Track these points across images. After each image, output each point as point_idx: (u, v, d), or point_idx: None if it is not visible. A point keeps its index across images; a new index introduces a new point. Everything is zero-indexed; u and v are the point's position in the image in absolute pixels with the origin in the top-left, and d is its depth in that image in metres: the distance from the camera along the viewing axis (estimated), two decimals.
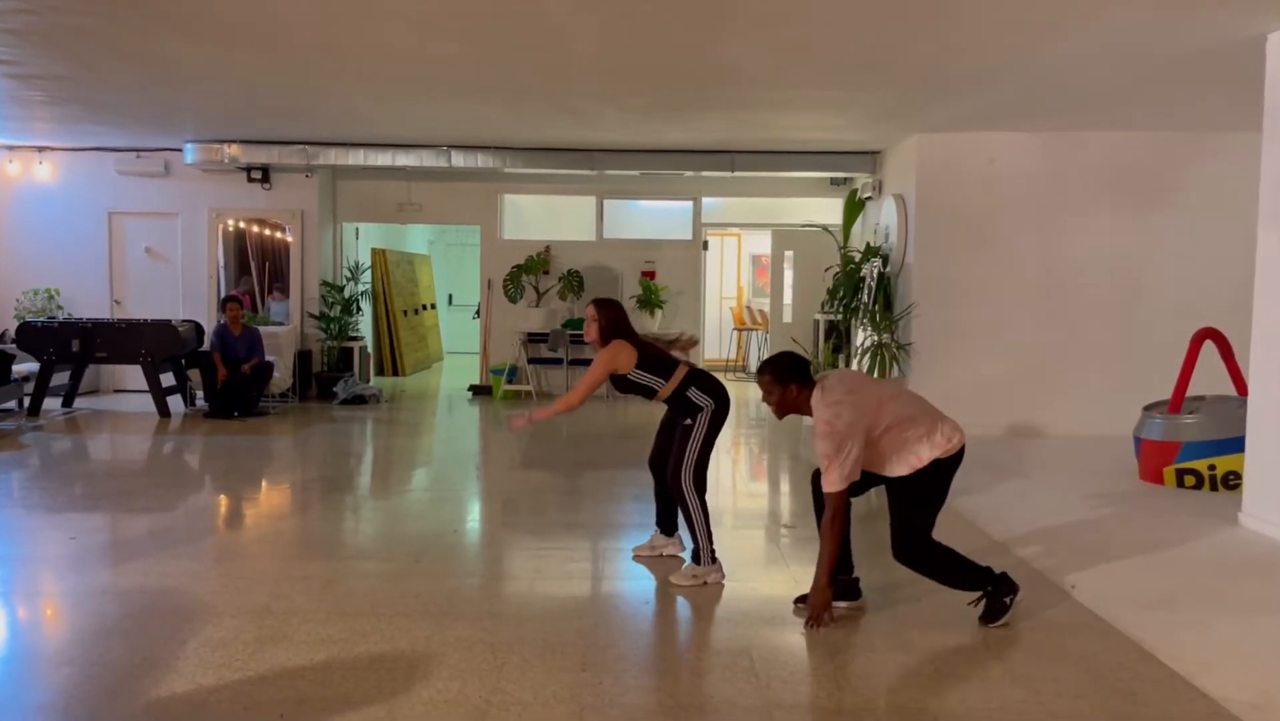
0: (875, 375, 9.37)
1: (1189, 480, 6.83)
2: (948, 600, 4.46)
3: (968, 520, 5.99)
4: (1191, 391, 7.08)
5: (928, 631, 4.06)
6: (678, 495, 4.69)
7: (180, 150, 10.86)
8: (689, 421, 4.69)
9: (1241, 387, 6.88)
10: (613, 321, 4.80)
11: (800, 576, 4.82)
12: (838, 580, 4.21)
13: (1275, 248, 5.73)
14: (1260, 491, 5.79)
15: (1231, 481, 6.62)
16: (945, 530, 5.82)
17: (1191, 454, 6.80)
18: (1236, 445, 6.36)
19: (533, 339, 11.67)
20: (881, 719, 3.26)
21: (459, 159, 10.60)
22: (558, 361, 11.71)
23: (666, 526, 5.07)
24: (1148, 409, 7.25)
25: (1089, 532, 5.70)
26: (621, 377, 4.71)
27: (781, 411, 4.15)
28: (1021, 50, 6.25)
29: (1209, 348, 7.02)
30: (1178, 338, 7.42)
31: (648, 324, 11.61)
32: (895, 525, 4.13)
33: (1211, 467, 6.76)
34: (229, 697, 3.34)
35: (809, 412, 4.07)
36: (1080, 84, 7.15)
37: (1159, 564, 5.12)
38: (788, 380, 4.09)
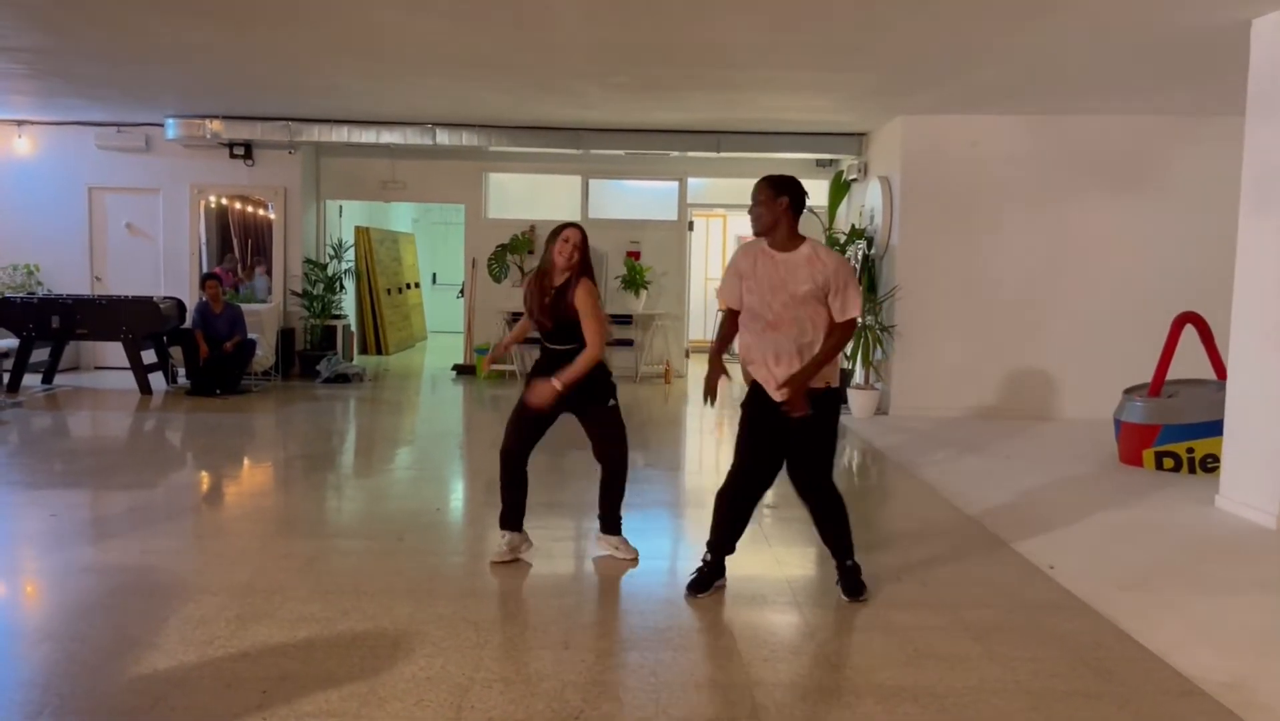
0: (859, 358, 9.41)
1: (1168, 462, 6.89)
2: (927, 580, 4.50)
3: (947, 500, 6.04)
4: (1172, 375, 7.13)
5: (906, 611, 4.09)
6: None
7: (162, 125, 10.76)
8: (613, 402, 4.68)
9: (1221, 372, 6.94)
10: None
11: (781, 556, 4.85)
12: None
13: (1257, 233, 5.77)
14: (1237, 474, 5.85)
15: (1209, 464, 6.69)
16: (925, 509, 5.89)
17: (1170, 436, 6.87)
18: (1215, 428, 6.43)
19: (517, 318, 11.58)
20: (860, 697, 3.29)
21: (444, 137, 10.54)
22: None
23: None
24: (1128, 392, 7.31)
25: (1068, 514, 5.75)
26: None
27: (762, 225, 4.03)
28: (1007, 33, 6.25)
29: (1190, 331, 7.07)
30: (1159, 321, 7.48)
31: (632, 304, 11.61)
32: (816, 451, 4.15)
33: (1190, 450, 6.82)
34: (211, 674, 3.34)
35: (787, 244, 4.02)
36: (1065, 68, 7.16)
37: (1137, 545, 5.17)
38: (783, 192, 4.03)
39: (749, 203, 4.10)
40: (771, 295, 4.01)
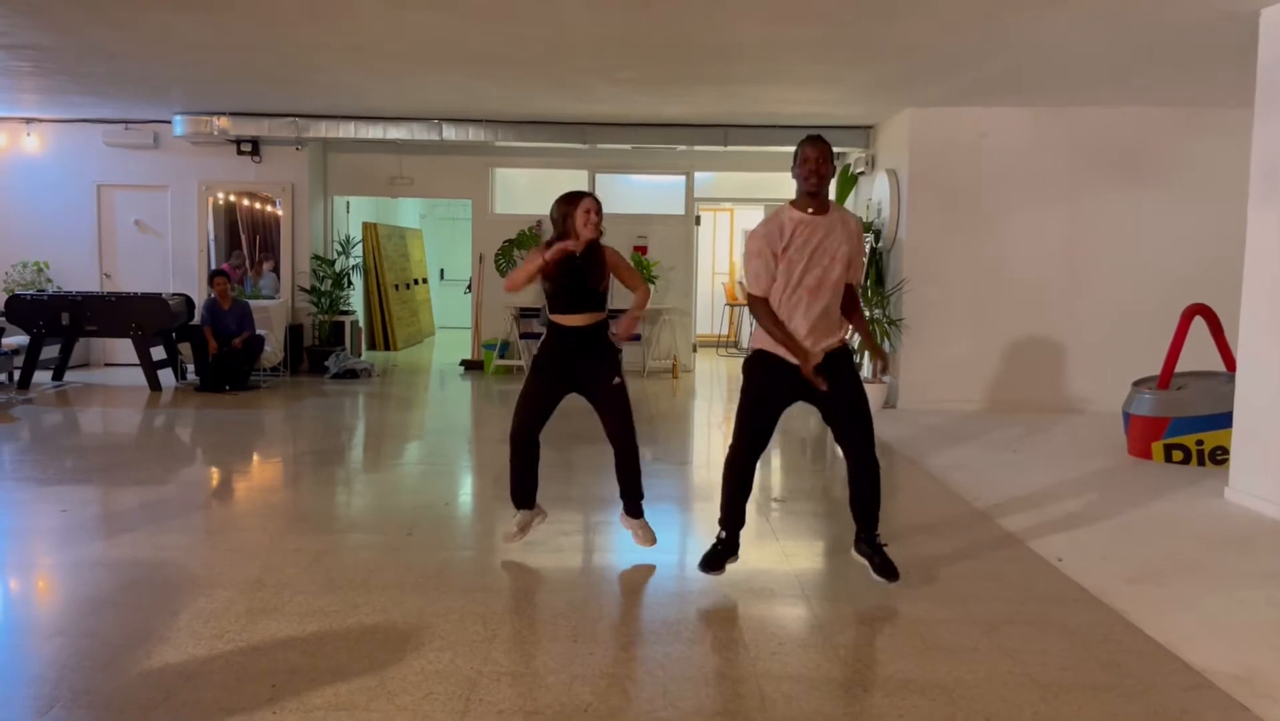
0: (866, 351, 9.39)
1: (1177, 455, 6.87)
2: (935, 574, 4.49)
3: (955, 493, 6.03)
4: (1181, 367, 7.11)
5: (915, 604, 4.09)
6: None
7: (169, 122, 10.78)
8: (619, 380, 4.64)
9: (1230, 363, 6.91)
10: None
11: (790, 550, 4.86)
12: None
13: (1265, 224, 5.74)
14: (1247, 466, 5.83)
15: (1219, 456, 6.67)
16: (933, 503, 5.88)
17: (1180, 429, 6.85)
18: (1224, 420, 6.40)
19: (524, 314, 11.64)
20: (869, 690, 3.29)
21: (450, 132, 10.54)
22: None
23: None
24: (1137, 384, 7.29)
25: (1077, 506, 5.74)
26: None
27: (823, 184, 4.03)
28: (1015, 25, 6.22)
29: (1199, 323, 7.05)
30: (1167, 313, 7.45)
31: None
32: (866, 408, 4.19)
33: (1199, 443, 6.80)
34: (221, 668, 3.35)
35: (826, 205, 4.06)
36: (1073, 59, 7.13)
37: (1146, 537, 5.16)
38: (833, 159, 4.12)
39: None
40: (816, 259, 4.00)
